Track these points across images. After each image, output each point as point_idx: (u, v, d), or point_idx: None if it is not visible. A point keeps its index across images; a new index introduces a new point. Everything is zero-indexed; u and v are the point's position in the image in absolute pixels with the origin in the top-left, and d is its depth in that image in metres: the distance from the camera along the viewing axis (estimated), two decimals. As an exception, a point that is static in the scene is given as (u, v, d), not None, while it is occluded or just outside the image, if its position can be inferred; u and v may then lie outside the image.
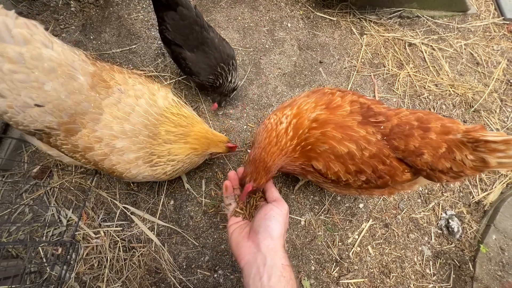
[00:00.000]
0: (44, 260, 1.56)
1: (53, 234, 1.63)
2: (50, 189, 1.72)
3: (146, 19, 2.22)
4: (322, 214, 1.76)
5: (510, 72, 2.26)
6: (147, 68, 2.05)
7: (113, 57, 2.07)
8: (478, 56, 2.31)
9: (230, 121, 1.96)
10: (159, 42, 2.16)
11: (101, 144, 1.19)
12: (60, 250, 1.59)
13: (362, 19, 2.40)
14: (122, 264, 1.59)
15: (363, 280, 1.63)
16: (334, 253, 1.68)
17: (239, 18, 2.31)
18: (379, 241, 1.73)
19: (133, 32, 2.16)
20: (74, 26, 2.14)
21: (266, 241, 1.00)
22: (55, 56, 1.11)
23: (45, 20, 2.12)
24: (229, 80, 1.71)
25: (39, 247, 1.58)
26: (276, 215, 1.08)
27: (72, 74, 1.14)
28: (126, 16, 2.21)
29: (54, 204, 1.68)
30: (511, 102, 2.15)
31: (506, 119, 2.09)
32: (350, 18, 2.40)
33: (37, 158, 1.78)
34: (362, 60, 2.25)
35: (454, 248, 1.73)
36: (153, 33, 2.18)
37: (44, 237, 1.61)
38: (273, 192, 1.21)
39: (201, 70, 1.65)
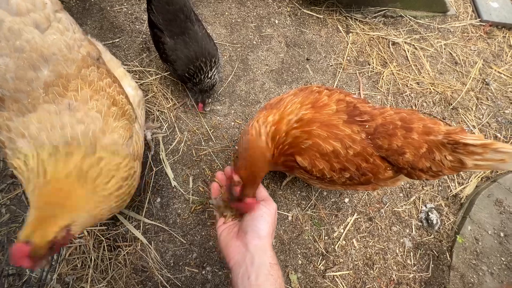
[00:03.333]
0: (24, 262, 1.50)
1: (33, 234, 1.57)
2: (29, 188, 1.64)
3: (130, 12, 2.15)
4: (309, 209, 1.79)
5: (486, 72, 2.38)
6: (132, 63, 2.00)
7: (95, 51, 1.99)
8: (456, 56, 2.41)
9: (218, 117, 1.95)
10: (144, 36, 2.10)
11: (6, 134, 1.05)
12: (40, 251, 1.53)
13: (348, 18, 2.44)
14: (107, 264, 1.55)
15: (348, 272, 1.69)
16: (320, 247, 1.72)
17: (226, 13, 2.29)
18: (363, 234, 1.79)
19: (116, 25, 2.09)
20: (52, 17, 2.03)
21: (254, 241, 1.01)
22: (35, 41, 1.03)
23: (20, 10, 2.00)
24: (208, 76, 1.70)
25: (18, 249, 1.51)
26: (264, 214, 1.09)
27: (36, 65, 1.04)
28: (108, 8, 2.13)
29: (33, 203, 1.61)
30: (486, 100, 2.27)
31: (481, 116, 2.21)
32: (336, 16, 2.43)
33: (14, 156, 1.70)
34: (348, 58, 2.29)
35: (433, 239, 1.82)
36: (137, 26, 2.12)
37: (23, 238, 1.55)
38: (261, 191, 1.22)
39: (178, 59, 1.63)
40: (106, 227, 1.62)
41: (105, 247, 1.57)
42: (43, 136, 1.03)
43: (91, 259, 1.54)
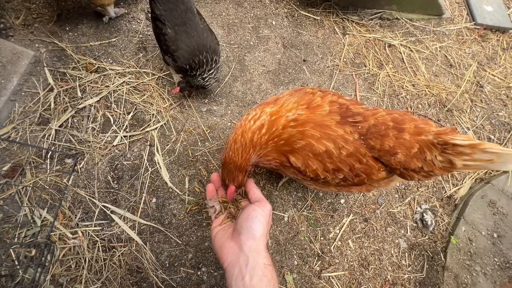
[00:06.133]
0: (16, 263, 1.48)
1: (26, 235, 1.55)
2: (22, 188, 1.63)
3: (126, 11, 2.14)
4: (305, 210, 1.80)
5: (480, 75, 2.41)
6: (128, 63, 1.99)
7: (91, 50, 1.98)
8: (451, 58, 2.44)
9: (214, 118, 1.95)
10: (141, 36, 2.09)
11: None
12: (33, 251, 1.51)
13: (344, 19, 2.46)
14: (102, 265, 1.54)
15: (343, 273, 1.69)
16: (316, 248, 1.72)
17: (224, 14, 2.29)
18: (359, 235, 1.79)
19: (112, 25, 2.08)
20: (48, 16, 2.02)
21: (248, 242, 1.01)
22: None
23: (16, 9, 1.99)
24: (203, 76, 1.68)
25: (11, 249, 1.49)
26: (258, 215, 1.09)
27: None
28: (105, 7, 2.12)
29: (27, 203, 1.60)
30: (480, 102, 2.30)
31: (475, 118, 2.23)
32: (333, 18, 2.44)
33: (7, 155, 1.68)
34: (344, 59, 2.30)
35: (427, 240, 1.83)
36: (134, 26, 2.11)
37: (16, 238, 1.53)
38: (255, 192, 1.22)
39: (178, 49, 1.61)
40: (101, 228, 1.61)
41: (100, 247, 1.56)
42: None
43: (85, 260, 1.53)
